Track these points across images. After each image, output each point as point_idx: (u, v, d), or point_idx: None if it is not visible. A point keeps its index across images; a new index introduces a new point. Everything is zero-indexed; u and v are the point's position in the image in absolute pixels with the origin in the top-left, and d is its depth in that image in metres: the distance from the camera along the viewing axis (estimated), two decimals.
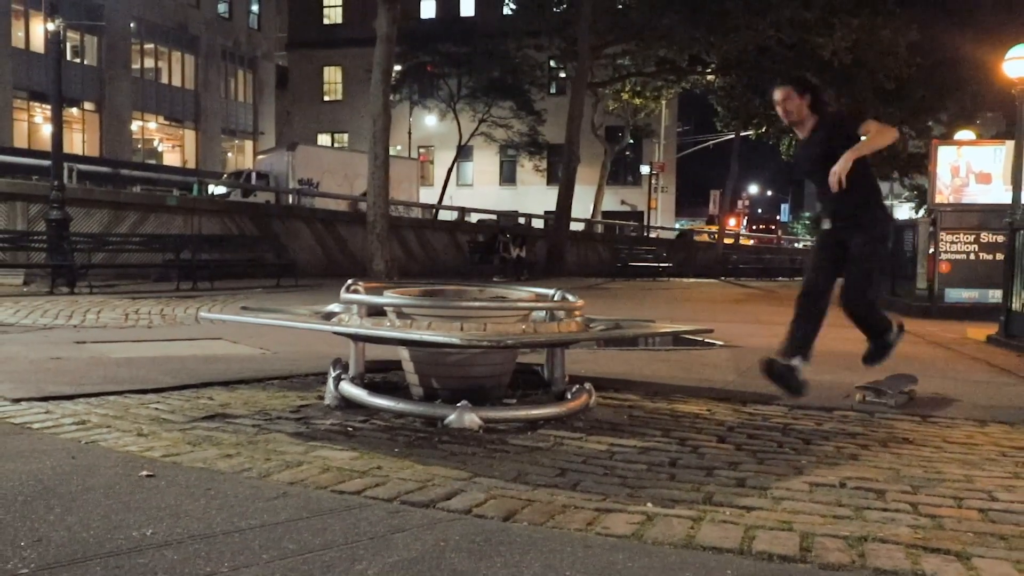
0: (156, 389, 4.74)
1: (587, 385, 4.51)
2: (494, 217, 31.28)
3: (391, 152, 20.17)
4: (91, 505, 2.67)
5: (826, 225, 4.76)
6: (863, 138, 4.40)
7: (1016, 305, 8.12)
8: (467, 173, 46.15)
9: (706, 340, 7.95)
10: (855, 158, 4.29)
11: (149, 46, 38.45)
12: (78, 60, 34.48)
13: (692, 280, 26.18)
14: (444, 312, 4.34)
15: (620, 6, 28.70)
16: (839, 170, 4.25)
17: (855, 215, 4.56)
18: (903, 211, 45.76)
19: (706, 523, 2.66)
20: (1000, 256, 9.84)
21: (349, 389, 4.34)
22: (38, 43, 31.30)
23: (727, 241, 39.87)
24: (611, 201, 43.20)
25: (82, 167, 22.33)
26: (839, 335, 8.97)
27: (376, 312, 4.48)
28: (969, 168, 12.53)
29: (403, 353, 4.54)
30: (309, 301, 8.46)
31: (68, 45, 31.31)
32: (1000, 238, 10.46)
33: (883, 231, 4.71)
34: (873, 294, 4.73)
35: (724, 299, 16.48)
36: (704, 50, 26.88)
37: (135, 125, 37.75)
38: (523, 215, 33.08)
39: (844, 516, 2.78)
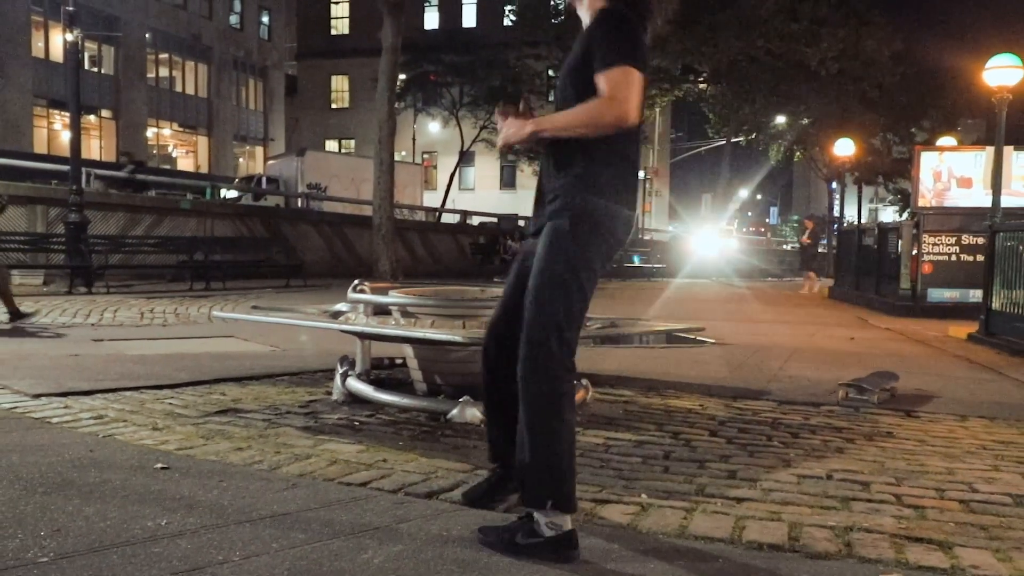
0: (170, 385, 4.73)
1: (584, 381, 4.50)
2: (495, 220, 31.26)
3: (396, 157, 20.16)
4: (108, 496, 2.67)
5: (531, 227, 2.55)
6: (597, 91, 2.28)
7: (996, 304, 8.12)
8: (469, 178, 46.13)
9: (698, 338, 7.94)
10: (538, 132, 2.42)
11: (164, 56, 38.45)
12: (96, 69, 34.47)
13: (685, 280, 26.16)
14: (447, 311, 4.34)
15: None
16: (510, 137, 2.47)
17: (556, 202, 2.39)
18: (887, 214, 45.78)
19: (698, 513, 2.66)
20: (980, 257, 9.85)
21: (356, 385, 4.34)
22: (57, 53, 31.26)
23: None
24: None
25: (99, 172, 22.31)
26: (826, 333, 8.98)
27: (382, 311, 4.48)
28: (951, 173, 12.54)
29: (407, 350, 4.53)
30: (317, 300, 8.47)
31: (86, 55, 31.31)
32: (980, 240, 10.47)
33: (579, 227, 2.32)
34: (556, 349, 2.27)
35: (715, 299, 16.47)
36: (696, 60, 26.90)
37: (150, 131, 37.73)
38: (522, 218, 33.05)
39: (831, 507, 2.78)
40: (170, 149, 39.73)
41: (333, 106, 49.21)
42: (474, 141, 37.53)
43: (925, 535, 2.49)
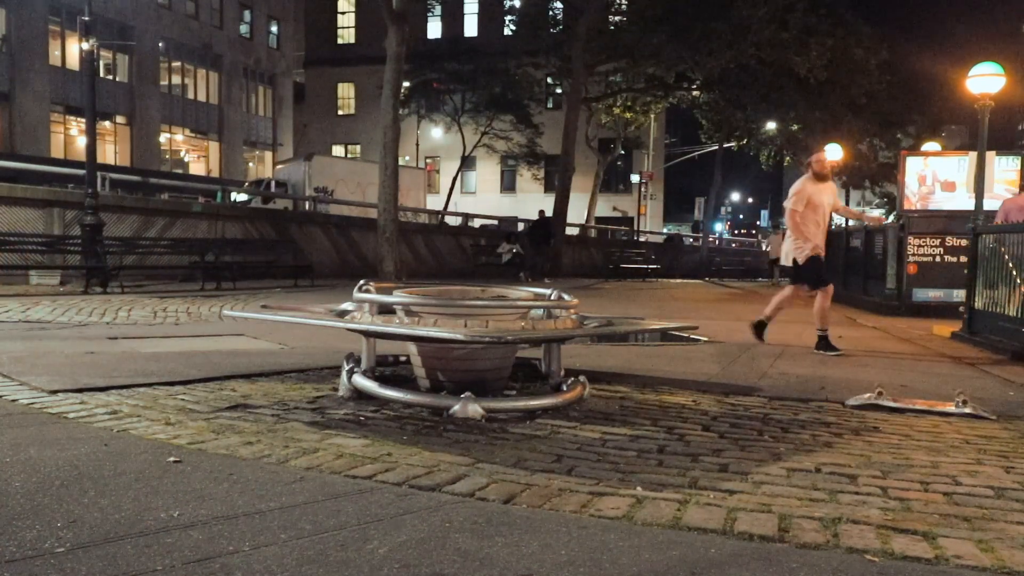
0: (183, 381, 4.73)
1: (581, 378, 4.50)
2: (495, 222, 31.25)
3: (400, 162, 20.18)
4: (122, 489, 2.67)
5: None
6: None
7: (978, 303, 8.12)
8: (470, 181, 46.15)
9: (691, 336, 7.94)
10: None
11: (176, 64, 38.47)
12: (111, 77, 34.50)
13: (678, 281, 26.17)
14: (449, 310, 4.34)
15: (612, 27, 28.69)
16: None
17: None
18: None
19: (691, 505, 2.66)
20: (963, 258, 9.84)
21: (361, 381, 4.33)
22: (73, 61, 31.31)
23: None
24: (604, 208, 43.23)
25: (114, 176, 22.30)
26: (815, 331, 8.97)
27: (386, 310, 4.48)
28: (935, 177, 12.54)
29: (411, 348, 4.53)
30: (324, 300, 8.46)
31: (101, 63, 31.29)
32: (964, 242, 10.46)
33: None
34: None
35: (708, 298, 16.48)
36: (690, 68, 26.87)
37: (163, 137, 37.76)
38: (522, 220, 33.07)
39: (819, 499, 2.78)
40: (182, 154, 39.75)
41: (340, 112, 49.25)
42: (476, 146, 37.55)
43: (910, 526, 2.49)
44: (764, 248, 24.23)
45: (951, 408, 4.40)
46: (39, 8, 31.03)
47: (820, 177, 7.28)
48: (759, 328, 7.59)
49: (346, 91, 49.02)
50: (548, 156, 38.89)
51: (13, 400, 4.09)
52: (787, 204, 7.25)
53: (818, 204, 7.19)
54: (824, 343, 7.13)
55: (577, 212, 33.82)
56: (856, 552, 2.28)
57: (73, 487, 2.67)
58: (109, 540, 2.21)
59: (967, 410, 4.35)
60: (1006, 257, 7.41)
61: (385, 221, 16.92)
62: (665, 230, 50.07)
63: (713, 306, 13.70)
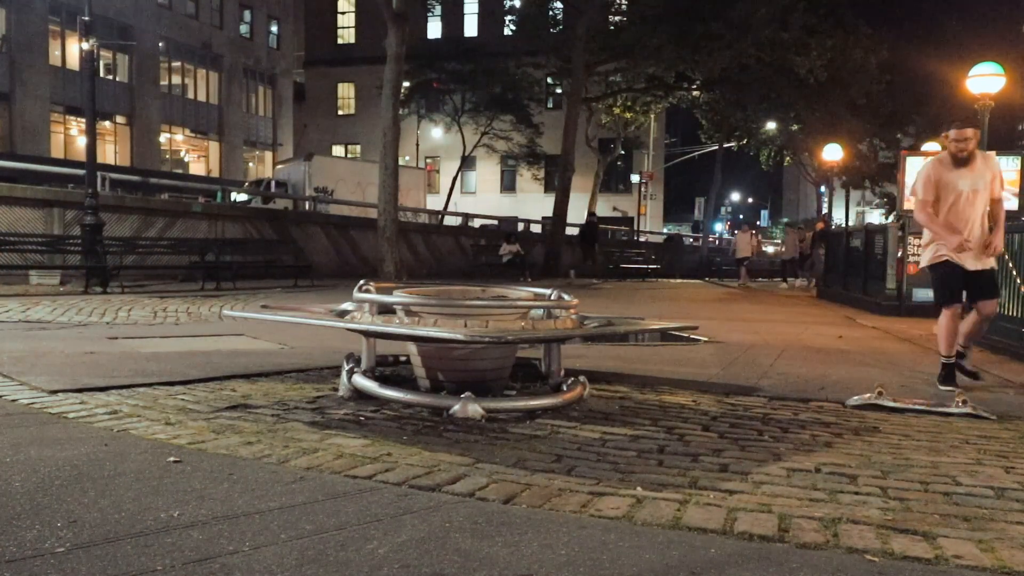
0: (183, 381, 4.73)
1: (581, 378, 4.50)
2: (495, 222, 31.25)
3: (400, 162, 20.18)
4: (122, 489, 2.67)
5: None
6: None
7: None
8: (470, 181, 46.15)
9: (691, 336, 7.94)
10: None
11: (176, 64, 38.48)
12: (111, 77, 34.49)
13: (678, 281, 26.16)
14: (449, 310, 4.34)
15: (612, 27, 28.69)
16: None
17: None
18: (874, 217, 45.82)
19: (691, 505, 2.66)
20: None
21: (361, 381, 4.33)
22: (73, 61, 31.30)
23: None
24: (604, 208, 43.22)
25: (114, 176, 22.33)
26: (814, 331, 8.99)
27: (386, 310, 4.48)
28: None
29: (411, 348, 4.53)
30: (324, 300, 8.46)
31: (101, 63, 31.28)
32: None
33: None
34: None
35: (708, 298, 16.48)
36: (690, 68, 26.85)
37: (163, 137, 37.76)
38: (522, 220, 33.09)
39: (819, 499, 2.78)
40: (182, 154, 39.75)
41: (340, 112, 49.26)
42: (476, 146, 37.54)
43: (910, 526, 2.49)
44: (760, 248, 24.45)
45: (951, 408, 4.40)
46: (39, 8, 31.04)
47: (957, 161, 5.28)
48: (950, 371, 5.38)
49: (346, 91, 49.03)
50: (548, 156, 38.88)
51: (13, 400, 4.09)
52: (911, 194, 5.57)
53: (951, 193, 5.26)
54: (946, 373, 5.32)
55: (577, 212, 33.79)
56: (856, 552, 2.27)
57: (73, 487, 2.67)
58: (109, 540, 2.21)
59: (967, 410, 4.36)
60: (1006, 257, 7.41)
61: (385, 221, 16.93)
62: (665, 230, 50.07)
63: (713, 306, 13.70)
